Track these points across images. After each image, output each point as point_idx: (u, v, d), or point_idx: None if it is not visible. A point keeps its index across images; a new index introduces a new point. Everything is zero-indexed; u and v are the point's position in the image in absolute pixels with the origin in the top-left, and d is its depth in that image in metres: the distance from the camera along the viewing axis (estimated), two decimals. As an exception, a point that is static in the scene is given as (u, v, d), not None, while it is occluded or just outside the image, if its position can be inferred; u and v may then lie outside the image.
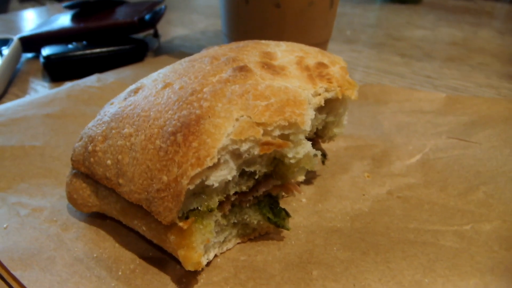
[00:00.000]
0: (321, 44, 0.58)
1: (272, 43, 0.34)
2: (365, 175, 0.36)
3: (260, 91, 0.25)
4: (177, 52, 0.67)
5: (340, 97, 0.30)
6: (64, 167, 0.35)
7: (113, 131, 0.27)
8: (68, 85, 0.49)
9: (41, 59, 0.56)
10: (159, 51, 0.68)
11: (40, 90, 0.54)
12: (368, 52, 0.74)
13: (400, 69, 0.66)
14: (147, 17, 0.64)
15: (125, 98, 0.29)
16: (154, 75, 0.31)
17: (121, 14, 0.63)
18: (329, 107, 0.32)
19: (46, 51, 0.56)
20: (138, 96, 0.28)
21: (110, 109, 0.29)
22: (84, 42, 0.58)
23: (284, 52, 0.32)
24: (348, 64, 0.75)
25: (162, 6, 0.71)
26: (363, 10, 1.14)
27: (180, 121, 0.24)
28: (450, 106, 0.46)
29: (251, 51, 0.31)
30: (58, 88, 0.49)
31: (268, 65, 0.29)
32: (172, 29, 0.86)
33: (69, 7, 0.65)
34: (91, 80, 0.50)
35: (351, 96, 0.31)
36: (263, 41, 0.34)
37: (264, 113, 0.25)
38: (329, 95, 0.29)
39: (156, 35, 0.70)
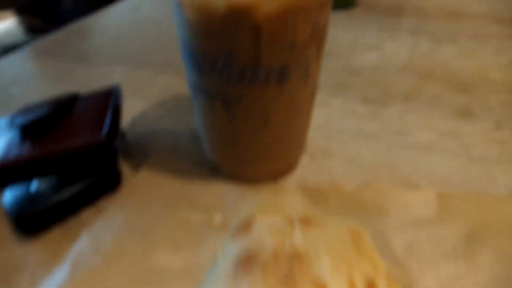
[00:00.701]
0: (303, 133, 0.57)
1: (311, 251, 0.33)
2: (401, 327, 0.39)
3: None
4: (151, 159, 0.61)
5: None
6: None
7: None
8: (67, 266, 0.44)
9: (7, 213, 0.48)
10: (128, 156, 0.62)
11: (20, 253, 0.47)
12: (335, 105, 0.75)
13: (370, 126, 0.69)
14: (108, 121, 0.57)
15: None
16: None
17: (80, 127, 0.56)
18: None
19: (9, 202, 0.49)
20: None
21: None
22: (48, 178, 0.51)
23: (332, 272, 0.32)
24: (324, 132, 0.76)
25: (119, 90, 0.63)
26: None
27: None
28: (444, 212, 0.51)
29: (305, 285, 0.30)
30: (62, 271, 0.43)
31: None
32: (124, 102, 0.77)
33: (18, 127, 0.55)
34: (88, 252, 0.45)
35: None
36: (299, 247, 0.33)
37: None
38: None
39: (123, 137, 0.63)
